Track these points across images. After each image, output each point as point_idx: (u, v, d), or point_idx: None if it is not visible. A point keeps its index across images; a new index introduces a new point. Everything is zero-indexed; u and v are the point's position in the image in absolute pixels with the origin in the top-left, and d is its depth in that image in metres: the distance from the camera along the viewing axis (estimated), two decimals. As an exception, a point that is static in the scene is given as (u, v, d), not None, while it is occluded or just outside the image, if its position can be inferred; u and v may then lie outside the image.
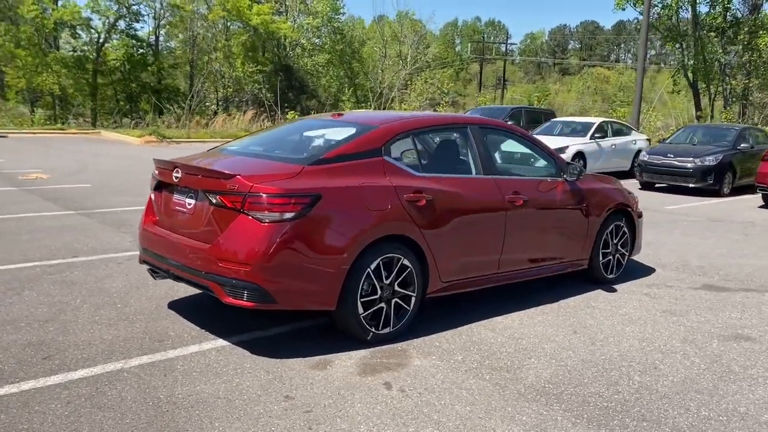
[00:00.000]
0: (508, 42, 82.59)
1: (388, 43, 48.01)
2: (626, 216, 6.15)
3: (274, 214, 3.80)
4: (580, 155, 14.74)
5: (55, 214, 8.53)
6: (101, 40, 37.31)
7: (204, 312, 4.76)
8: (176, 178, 4.25)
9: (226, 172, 3.95)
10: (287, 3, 43.48)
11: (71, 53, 37.04)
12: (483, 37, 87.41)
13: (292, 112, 32.07)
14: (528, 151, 5.66)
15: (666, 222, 10.02)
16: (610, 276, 6.07)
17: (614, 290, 5.88)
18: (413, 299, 4.43)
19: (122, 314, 4.67)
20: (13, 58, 34.70)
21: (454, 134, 5.18)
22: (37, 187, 10.98)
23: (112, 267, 5.91)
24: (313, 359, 3.99)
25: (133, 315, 4.66)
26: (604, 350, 4.37)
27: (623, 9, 30.77)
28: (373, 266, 4.15)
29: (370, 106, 39.93)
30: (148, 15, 40.27)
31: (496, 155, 5.86)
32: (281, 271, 3.83)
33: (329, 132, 4.87)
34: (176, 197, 4.33)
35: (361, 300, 4.13)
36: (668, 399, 3.65)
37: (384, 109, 37.48)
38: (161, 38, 41.75)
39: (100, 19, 36.71)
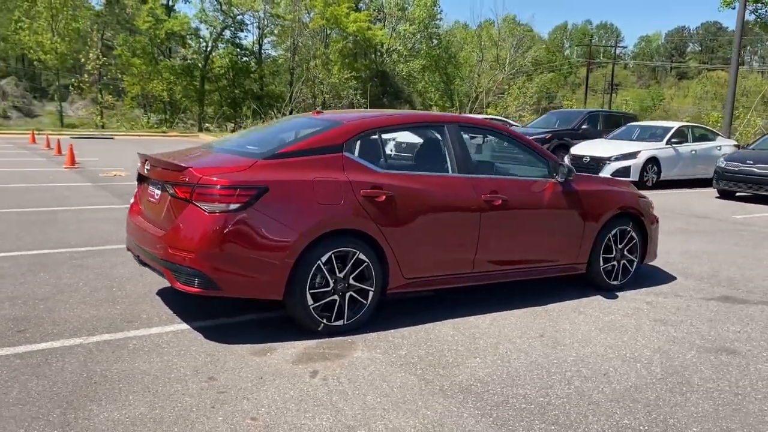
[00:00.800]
0: (618, 45, 79.48)
1: (486, 47, 47.72)
2: (635, 221, 5.89)
3: (220, 205, 4.00)
4: (653, 161, 14.07)
5: (112, 207, 9.23)
6: (208, 49, 39.55)
7: (187, 299, 5.02)
8: (147, 170, 4.56)
9: (180, 164, 4.20)
10: (385, 11, 44.22)
11: (181, 62, 39.42)
12: (590, 39, 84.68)
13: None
14: (521, 151, 5.55)
15: (723, 231, 9.40)
16: (614, 282, 5.84)
17: (614, 296, 5.66)
18: (371, 293, 4.49)
19: (112, 297, 5.04)
20: (130, 66, 37.46)
21: (429, 132, 5.19)
22: (110, 184, 11.88)
23: (130, 255, 6.34)
24: (260, 346, 4.15)
25: (121, 298, 5.02)
26: (560, 354, 4.25)
27: (732, 7, 28.87)
28: (324, 259, 4.26)
29: (465, 110, 39.82)
30: (252, 24, 42.20)
31: (490, 155, 5.81)
32: (224, 259, 4.02)
33: (304, 129, 5.02)
34: (149, 188, 4.64)
35: (311, 291, 4.25)
36: (596, 405, 3.52)
37: (478, 113, 37.24)
38: (264, 46, 43.72)
39: (207, 29, 39.00)
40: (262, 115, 36.49)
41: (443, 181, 4.85)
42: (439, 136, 5.05)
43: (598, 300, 5.55)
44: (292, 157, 4.34)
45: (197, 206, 4.04)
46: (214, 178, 4.04)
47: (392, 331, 4.55)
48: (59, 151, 17.74)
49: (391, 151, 4.89)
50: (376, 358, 4.03)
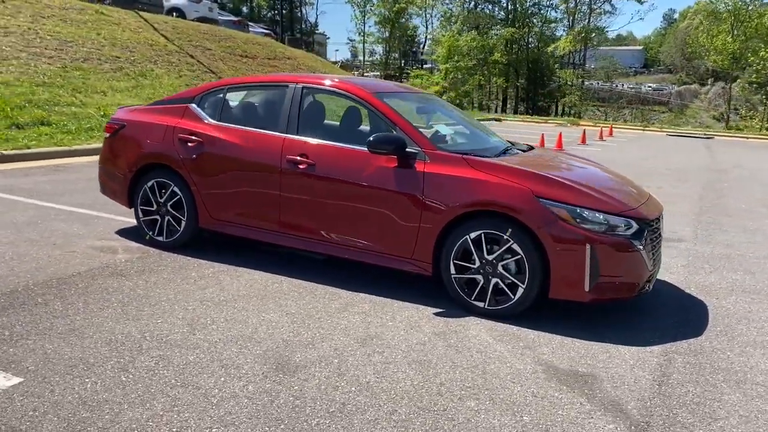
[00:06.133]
0: None
1: None
2: (521, 228, 4.16)
3: (106, 134, 5.84)
4: None
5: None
6: None
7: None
8: None
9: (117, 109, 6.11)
10: None
11: None
12: None
13: None
14: (380, 122, 4.80)
15: None
16: (478, 304, 4.32)
17: (446, 315, 4.32)
18: (183, 222, 5.37)
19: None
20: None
21: (274, 92, 5.25)
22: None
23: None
24: (106, 242, 5.66)
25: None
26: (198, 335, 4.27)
27: None
28: (149, 184, 5.48)
29: None
30: None
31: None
32: (102, 170, 5.89)
33: None
34: None
35: (141, 207, 5.56)
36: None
37: None
38: None
39: None
40: None
41: (252, 136, 5.08)
42: (280, 96, 5.16)
43: (413, 310, 4.40)
44: (160, 104, 5.69)
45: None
46: (111, 117, 5.87)
47: (201, 260, 5.21)
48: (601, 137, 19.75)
49: (229, 106, 5.30)
50: (126, 265, 5.01)
